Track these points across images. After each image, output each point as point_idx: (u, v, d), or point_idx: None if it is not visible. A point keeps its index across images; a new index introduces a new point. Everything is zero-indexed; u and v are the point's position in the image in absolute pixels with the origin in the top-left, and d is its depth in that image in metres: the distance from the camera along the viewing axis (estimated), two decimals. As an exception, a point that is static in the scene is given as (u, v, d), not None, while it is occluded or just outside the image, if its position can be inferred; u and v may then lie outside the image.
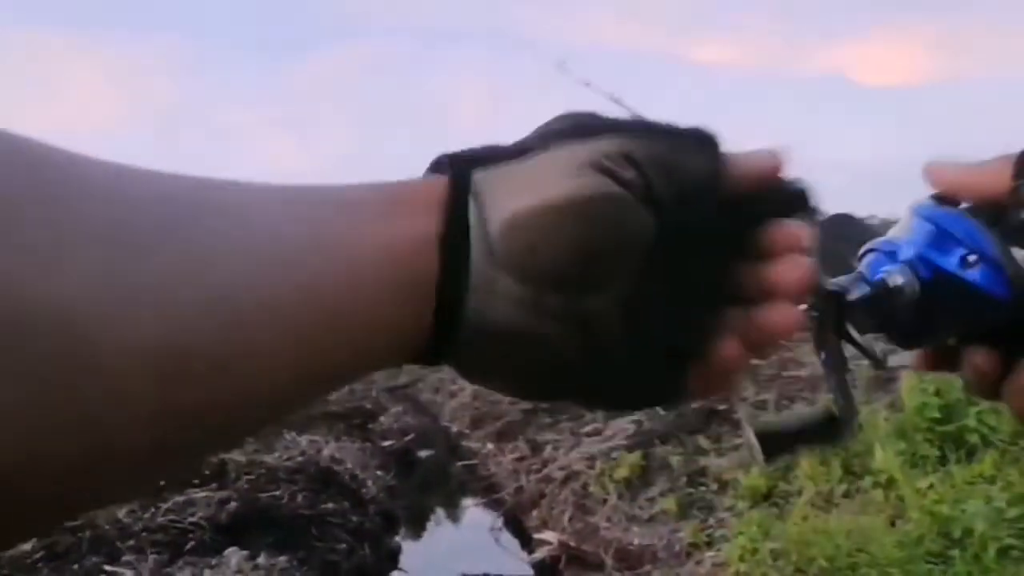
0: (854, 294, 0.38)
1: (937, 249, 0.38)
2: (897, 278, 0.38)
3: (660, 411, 3.80)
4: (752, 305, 0.33)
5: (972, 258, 0.37)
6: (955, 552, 2.57)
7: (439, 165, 0.31)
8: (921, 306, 0.37)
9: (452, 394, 5.95)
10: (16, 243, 0.20)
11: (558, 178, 0.29)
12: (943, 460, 3.12)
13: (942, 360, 0.40)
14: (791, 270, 0.32)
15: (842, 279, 0.39)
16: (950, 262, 0.37)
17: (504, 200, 0.29)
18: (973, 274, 0.36)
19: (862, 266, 0.40)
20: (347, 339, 0.27)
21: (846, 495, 3.11)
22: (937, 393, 3.16)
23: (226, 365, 0.24)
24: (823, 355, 0.38)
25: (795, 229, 0.33)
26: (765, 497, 3.24)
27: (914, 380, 3.24)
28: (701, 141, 0.32)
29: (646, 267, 0.30)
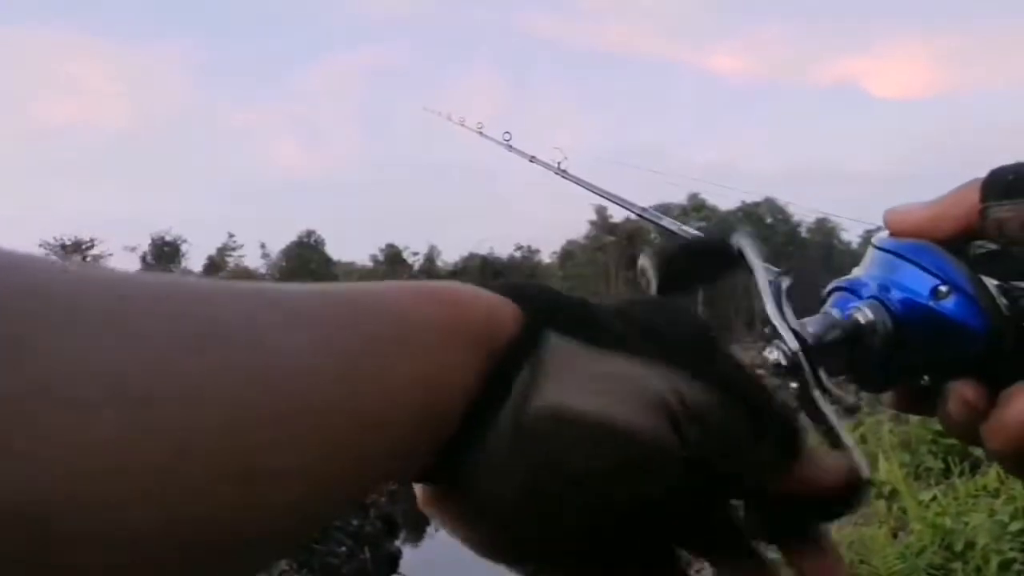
0: (820, 334, 0.35)
1: (906, 281, 0.36)
2: (867, 313, 0.36)
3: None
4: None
5: (944, 288, 0.35)
6: (957, 565, 2.55)
7: (517, 291, 0.28)
8: (894, 342, 0.35)
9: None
10: None
11: (615, 398, 0.27)
12: (947, 472, 3.10)
13: (915, 401, 0.38)
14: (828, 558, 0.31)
15: (807, 321, 0.36)
16: (921, 294, 0.35)
17: (557, 389, 0.26)
18: (946, 305, 0.34)
19: (828, 306, 0.37)
20: (366, 462, 0.25)
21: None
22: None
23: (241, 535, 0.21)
24: (812, 413, 0.34)
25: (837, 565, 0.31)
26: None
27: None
28: (784, 437, 0.29)
29: (659, 510, 0.28)
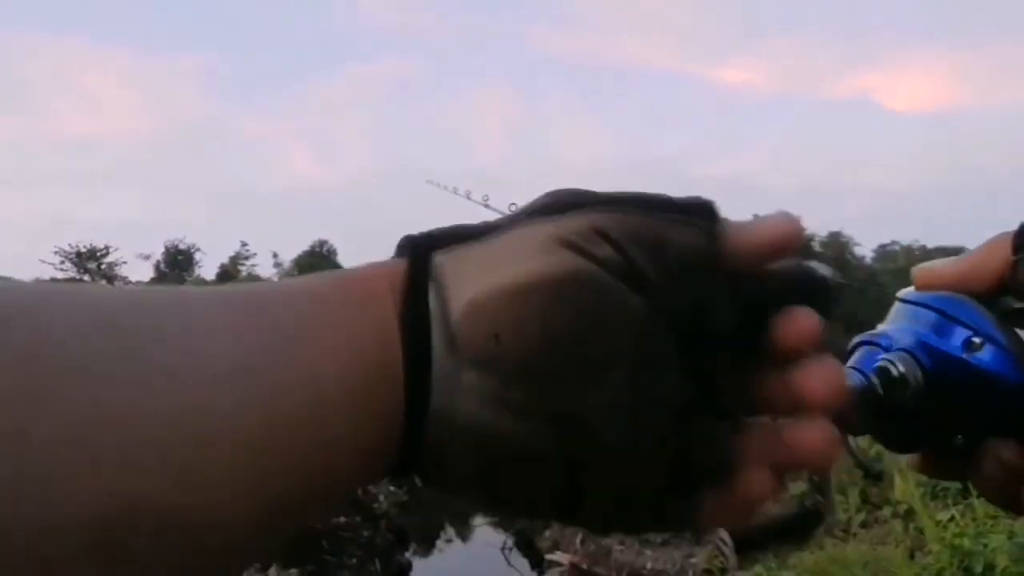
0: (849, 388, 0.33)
1: (937, 333, 0.34)
2: (898, 366, 0.34)
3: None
4: (776, 417, 0.28)
5: (977, 340, 0.33)
6: (976, 587, 2.52)
7: (402, 248, 0.28)
8: (926, 398, 0.33)
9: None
10: None
11: (522, 258, 0.26)
12: (965, 492, 3.07)
13: (947, 463, 0.36)
14: (824, 377, 0.28)
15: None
16: (953, 346, 0.33)
17: (465, 283, 0.26)
18: (981, 357, 0.33)
19: (853, 360, 0.36)
20: (312, 458, 0.24)
21: (864, 525, 3.06)
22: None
23: (176, 513, 0.21)
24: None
25: (813, 321, 0.28)
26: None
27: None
28: (692, 211, 0.28)
29: (642, 362, 0.26)
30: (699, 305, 0.27)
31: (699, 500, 0.28)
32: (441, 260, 0.27)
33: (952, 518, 2.92)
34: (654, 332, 0.26)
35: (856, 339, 0.36)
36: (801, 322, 0.28)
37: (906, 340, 0.35)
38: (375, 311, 0.26)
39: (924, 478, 3.13)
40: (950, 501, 3.04)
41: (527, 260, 0.26)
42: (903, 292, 0.37)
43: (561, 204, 0.28)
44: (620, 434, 0.26)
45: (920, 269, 0.36)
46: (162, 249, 41.36)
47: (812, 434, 0.28)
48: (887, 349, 0.35)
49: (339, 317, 0.26)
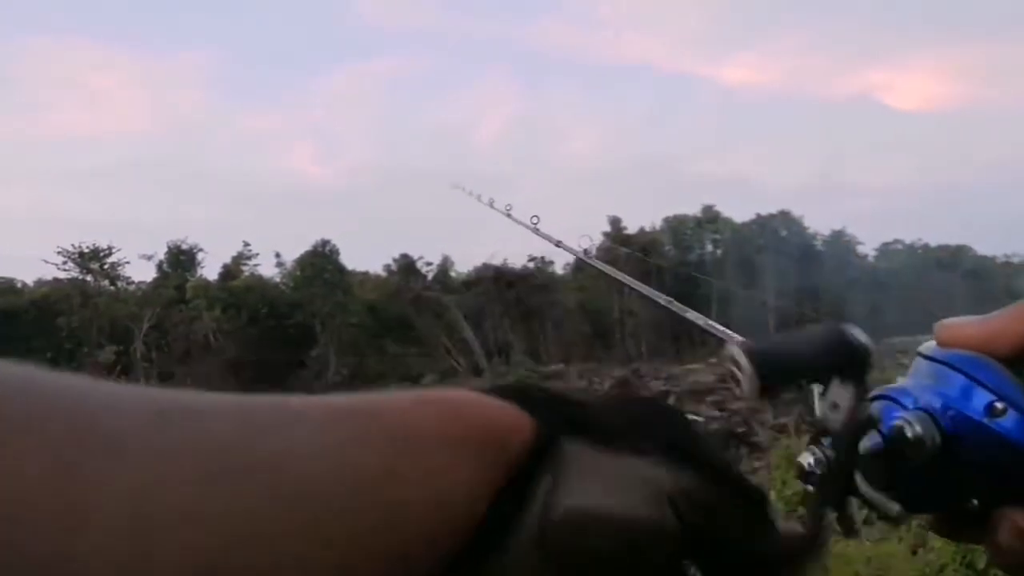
0: (863, 444, 0.33)
1: (958, 395, 0.33)
2: (915, 426, 0.33)
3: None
4: None
5: (1000, 406, 0.32)
6: (979, 583, 2.51)
7: (526, 396, 0.30)
8: (943, 461, 0.32)
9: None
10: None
11: (630, 494, 0.29)
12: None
13: (960, 526, 0.35)
14: None
15: (850, 425, 0.33)
16: (975, 409, 0.32)
17: (575, 488, 0.28)
18: (1003, 423, 0.32)
19: (871, 413, 0.35)
20: None
21: (867, 521, 3.06)
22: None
23: None
24: (821, 505, 0.34)
25: None
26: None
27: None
28: (763, 518, 0.32)
29: None
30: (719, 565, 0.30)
31: None
32: (566, 452, 0.29)
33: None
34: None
35: (874, 392, 0.35)
36: None
37: (926, 399, 0.34)
38: (474, 467, 0.27)
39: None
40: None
41: (633, 499, 0.29)
42: (925, 347, 0.36)
43: (674, 445, 0.31)
44: None
45: (943, 326, 0.35)
46: (165, 249, 41.39)
47: None
48: (906, 407, 0.34)
49: (437, 464, 0.27)
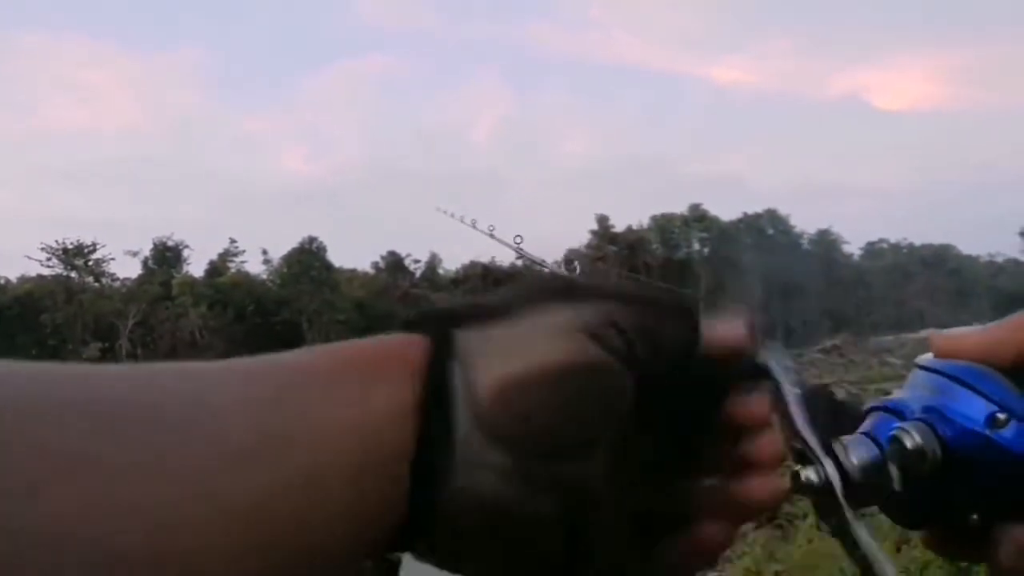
0: (859, 457, 0.32)
1: (959, 406, 0.32)
2: (914, 437, 0.32)
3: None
4: (727, 478, 0.31)
5: (1002, 416, 0.31)
6: (962, 580, 2.54)
7: (414, 323, 0.29)
8: (943, 472, 0.32)
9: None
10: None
11: (548, 343, 0.28)
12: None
13: (959, 542, 0.34)
14: (768, 445, 0.31)
15: (844, 440, 0.33)
16: (976, 420, 0.32)
17: (493, 364, 0.27)
18: (1004, 434, 0.31)
19: (866, 426, 0.34)
20: (308, 542, 0.25)
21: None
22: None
23: None
24: (833, 526, 0.32)
25: (762, 403, 0.31)
26: (770, 519, 3.21)
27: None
28: (681, 310, 0.31)
29: (625, 433, 0.29)
30: (678, 384, 0.30)
31: (664, 547, 0.31)
32: (465, 338, 0.28)
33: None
34: (639, 412, 0.29)
35: (870, 404, 0.35)
36: (752, 403, 0.31)
37: (924, 410, 0.33)
38: (394, 389, 0.27)
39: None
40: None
41: (553, 346, 0.28)
42: (922, 359, 0.35)
43: (572, 292, 0.30)
44: (611, 495, 0.29)
45: (941, 336, 0.35)
46: (150, 246, 41.12)
47: (760, 486, 0.31)
48: (903, 418, 0.33)
49: (350, 393, 0.26)
